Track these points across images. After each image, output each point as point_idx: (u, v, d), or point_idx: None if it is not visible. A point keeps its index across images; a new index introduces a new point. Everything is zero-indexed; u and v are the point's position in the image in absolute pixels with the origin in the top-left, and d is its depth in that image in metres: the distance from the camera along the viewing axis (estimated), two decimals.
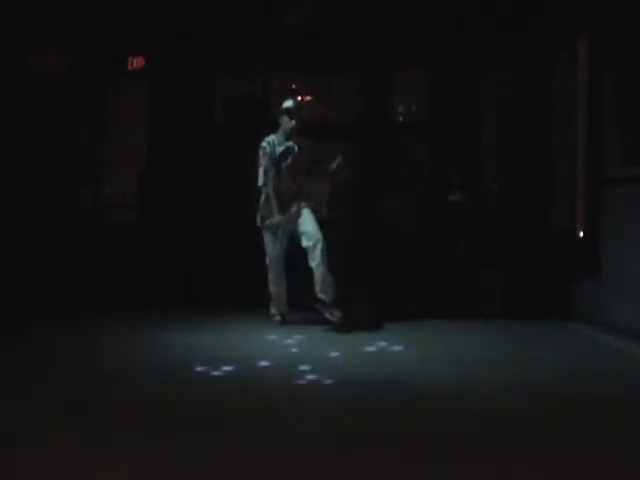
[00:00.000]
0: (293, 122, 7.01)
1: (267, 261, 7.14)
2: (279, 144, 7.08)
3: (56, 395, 4.43)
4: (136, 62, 9.59)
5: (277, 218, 6.99)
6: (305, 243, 6.93)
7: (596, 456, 3.49)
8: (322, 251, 6.85)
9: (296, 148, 7.07)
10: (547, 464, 3.35)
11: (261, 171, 7.08)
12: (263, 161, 7.06)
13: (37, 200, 8.53)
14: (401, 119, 9.45)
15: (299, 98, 9.53)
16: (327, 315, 6.90)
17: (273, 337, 6.53)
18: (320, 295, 6.89)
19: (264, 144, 7.07)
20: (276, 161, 7.03)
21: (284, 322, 7.14)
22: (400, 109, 9.44)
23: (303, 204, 7.07)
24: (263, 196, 7.12)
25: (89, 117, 9.66)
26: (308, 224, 6.98)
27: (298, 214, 7.02)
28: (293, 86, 9.63)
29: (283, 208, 7.02)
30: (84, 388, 4.64)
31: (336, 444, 3.59)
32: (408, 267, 7.96)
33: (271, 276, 7.15)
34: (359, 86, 9.36)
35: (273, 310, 7.23)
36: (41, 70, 8.64)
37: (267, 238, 7.11)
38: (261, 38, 8.92)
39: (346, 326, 6.81)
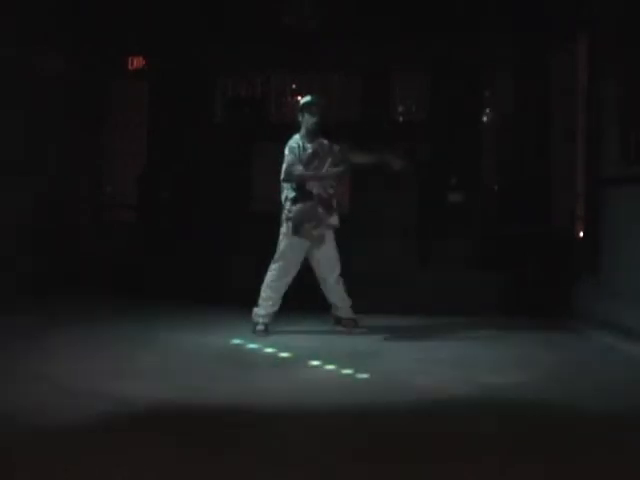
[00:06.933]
0: (315, 119, 6.38)
1: (273, 264, 6.44)
2: (304, 146, 6.42)
3: None
4: (136, 62, 9.60)
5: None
6: (321, 274, 6.51)
7: (596, 456, 3.49)
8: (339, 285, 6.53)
9: (320, 150, 6.46)
10: (547, 464, 3.35)
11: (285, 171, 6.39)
12: (289, 160, 6.35)
13: (37, 200, 8.53)
14: (401, 119, 9.44)
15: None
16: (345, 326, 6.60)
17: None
18: (338, 314, 6.65)
19: (293, 144, 6.40)
20: (304, 165, 6.39)
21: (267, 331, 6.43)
22: (400, 109, 9.43)
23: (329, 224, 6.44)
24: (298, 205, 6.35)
25: (89, 117, 9.67)
26: (327, 260, 6.45)
27: (322, 239, 6.40)
28: (293, 86, 9.63)
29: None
30: None
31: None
32: (409, 266, 7.96)
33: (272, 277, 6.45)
34: (359, 86, 9.36)
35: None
36: (41, 70, 8.64)
37: (290, 243, 6.37)
38: (261, 38, 8.92)
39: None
